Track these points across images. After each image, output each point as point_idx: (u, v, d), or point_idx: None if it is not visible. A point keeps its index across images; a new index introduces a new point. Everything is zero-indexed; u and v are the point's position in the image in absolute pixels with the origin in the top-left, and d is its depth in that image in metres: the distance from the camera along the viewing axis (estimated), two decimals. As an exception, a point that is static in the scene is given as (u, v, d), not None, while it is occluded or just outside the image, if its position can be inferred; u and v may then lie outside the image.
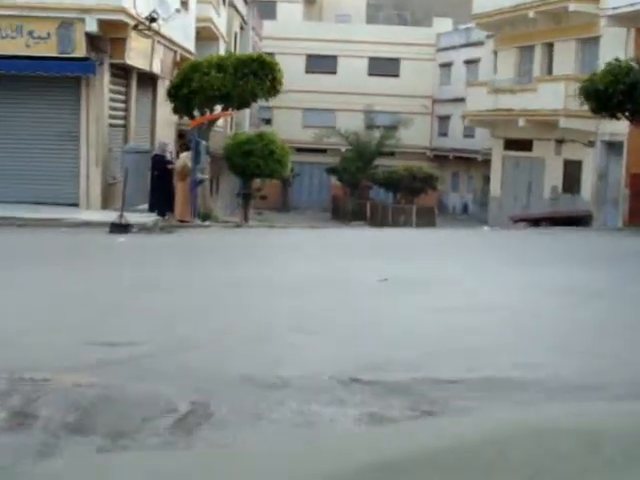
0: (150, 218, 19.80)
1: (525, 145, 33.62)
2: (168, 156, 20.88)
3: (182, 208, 20.09)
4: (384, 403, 5.37)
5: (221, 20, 35.43)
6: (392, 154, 48.11)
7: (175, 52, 26.79)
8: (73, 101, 21.11)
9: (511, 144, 34.98)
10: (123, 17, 20.15)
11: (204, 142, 20.44)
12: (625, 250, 17.14)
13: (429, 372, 6.20)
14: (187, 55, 27.58)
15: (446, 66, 52.57)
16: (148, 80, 25.51)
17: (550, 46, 32.71)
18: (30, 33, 19.94)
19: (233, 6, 39.71)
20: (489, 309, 9.30)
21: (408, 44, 53.39)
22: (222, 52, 30.02)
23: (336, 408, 5.31)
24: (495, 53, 41.37)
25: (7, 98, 21.05)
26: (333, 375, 6.09)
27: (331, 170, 49.03)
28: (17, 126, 21.08)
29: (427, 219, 40.34)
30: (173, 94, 23.75)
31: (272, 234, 18.82)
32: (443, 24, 54.96)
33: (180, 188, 20.23)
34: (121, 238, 16.45)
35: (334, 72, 54.50)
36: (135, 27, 21.00)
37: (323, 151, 51.64)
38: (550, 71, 32.58)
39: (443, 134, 52.88)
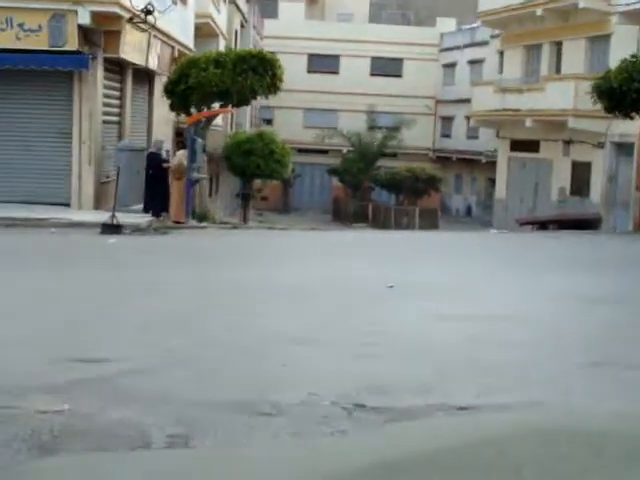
0: (144, 219, 19.01)
1: (532, 146, 32.79)
2: (164, 154, 20.07)
3: (177, 208, 19.29)
4: (393, 438, 4.54)
5: (221, 17, 34.76)
6: (394, 155, 47.66)
7: (173, 48, 26.00)
8: (65, 97, 20.30)
9: (517, 145, 34.14)
10: (117, 9, 19.34)
11: (200, 140, 19.63)
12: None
13: (442, 396, 5.39)
14: (185, 51, 26.78)
15: (450, 66, 52.09)
16: (144, 76, 24.73)
17: (558, 45, 31.89)
18: (20, 25, 19.13)
19: (234, 3, 39.07)
20: (500, 317, 8.59)
21: (411, 44, 52.91)
22: (222, 49, 29.21)
23: (337, 442, 4.57)
24: (500, 53, 40.81)
25: (-5, 93, 20.30)
26: (335, 400, 5.29)
27: (333, 171, 48.56)
28: (6, 123, 20.27)
29: (430, 221, 39.88)
30: (170, 90, 22.93)
31: (271, 236, 17.98)
32: (447, 24, 54.46)
33: (176, 188, 19.43)
34: (112, 239, 15.66)
35: (336, 72, 53.99)
36: (130, 20, 20.18)
37: (325, 152, 51.18)
38: (558, 70, 31.77)
39: (446, 135, 52.39)
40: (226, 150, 31.39)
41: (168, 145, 20.94)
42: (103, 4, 19.20)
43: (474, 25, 48.29)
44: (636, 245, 19.16)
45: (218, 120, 34.57)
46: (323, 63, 53.68)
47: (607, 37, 29.09)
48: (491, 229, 21.37)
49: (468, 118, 45.97)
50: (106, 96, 21.16)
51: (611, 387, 5.83)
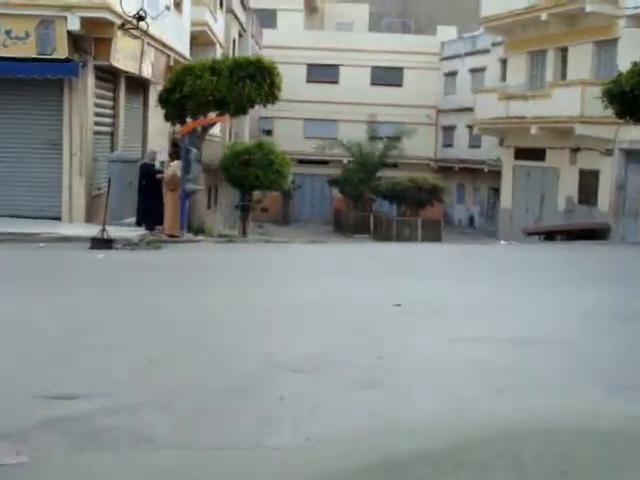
0: (137, 232, 18.21)
1: (537, 154, 31.99)
2: (157, 165, 19.26)
3: (172, 221, 18.47)
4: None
5: (218, 25, 34.10)
6: (395, 165, 47.12)
7: (168, 56, 25.24)
8: (55, 106, 19.52)
9: (522, 153, 33.35)
10: (108, 15, 18.57)
11: (195, 150, 18.82)
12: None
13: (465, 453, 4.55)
14: (181, 60, 26.02)
15: (451, 75, 51.59)
16: (138, 85, 23.98)
17: (564, 50, 31.13)
18: (7, 32, 18.36)
19: (231, 12, 38.44)
20: (523, 340, 7.77)
21: (412, 53, 52.38)
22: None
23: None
24: (502, 61, 40.34)
25: (-18, 103, 19.52)
26: (336, 446, 4.48)
27: (333, 182, 47.91)
28: (-7, 133, 19.51)
29: (433, 232, 39.21)
30: (164, 99, 22.13)
31: (268, 250, 17.13)
32: (447, 32, 53.94)
33: (170, 200, 18.62)
34: (101, 255, 14.84)
35: (336, 82, 53.42)
36: (122, 26, 19.41)
37: (325, 162, 50.67)
38: (564, 76, 31.04)
39: (448, 145, 51.90)
40: (224, 161, 30.69)
41: (163, 156, 20.12)
42: (93, 10, 18.42)
43: (475, 33, 47.95)
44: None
45: (216, 130, 33.95)
46: (323, 73, 53.06)
47: (614, 41, 28.33)
48: (501, 240, 20.46)
49: (470, 127, 45.49)
50: (98, 105, 20.38)
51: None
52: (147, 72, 23.01)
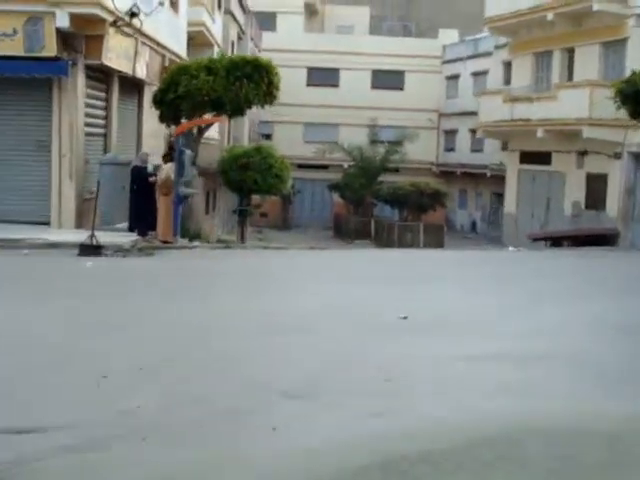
0: (128, 238, 17.39)
1: (543, 158, 31.19)
2: (149, 168, 18.43)
3: (165, 227, 17.65)
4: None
5: (216, 26, 33.43)
6: (397, 170, 46.62)
7: (163, 56, 24.47)
8: (43, 106, 18.73)
9: (528, 157, 32.55)
10: (99, 11, 17.78)
11: (189, 151, 18.00)
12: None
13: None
14: (177, 60, 25.22)
15: (452, 78, 51.14)
16: (133, 86, 23.21)
17: (570, 51, 30.35)
18: (-6, 29, 17.58)
19: (230, 13, 37.83)
20: (538, 358, 7.00)
21: (413, 56, 51.84)
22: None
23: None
24: (505, 64, 39.86)
25: (-33, 103, 18.75)
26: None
27: (333, 187, 47.32)
28: (-21, 135, 18.73)
29: (435, 238, 38.62)
30: (159, 100, 21.34)
31: (265, 257, 16.27)
32: (449, 35, 53.50)
33: (163, 204, 17.80)
34: (89, 262, 14.03)
35: (336, 85, 52.83)
36: (114, 23, 18.63)
37: (325, 167, 50.19)
38: (570, 78, 30.26)
39: (450, 149, 51.45)
40: (222, 165, 29.99)
41: (157, 159, 19.30)
42: (83, 6, 17.63)
43: (477, 36, 47.62)
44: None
45: (214, 133, 33.23)
46: (323, 76, 52.46)
47: (623, 41, 27.55)
48: (509, 246, 19.64)
49: (473, 131, 45.03)
50: (89, 106, 19.60)
51: None
52: (141, 72, 22.24)
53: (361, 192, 45.24)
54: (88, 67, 19.06)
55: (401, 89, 52.55)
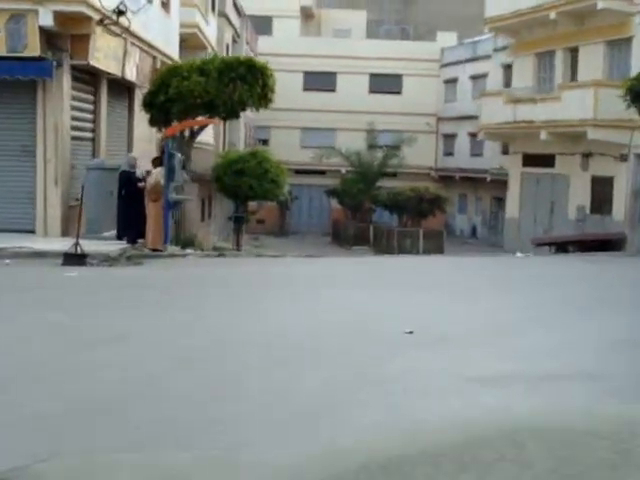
0: (116, 247, 16.55)
1: (546, 160, 30.33)
2: (138, 173, 17.60)
3: (155, 234, 16.81)
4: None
5: (210, 29, 32.73)
6: (395, 175, 46.24)
7: (154, 58, 23.68)
8: (27, 109, 17.92)
9: (530, 160, 31.68)
10: (84, 9, 16.98)
11: (179, 155, 17.19)
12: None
13: None
14: (169, 62, 24.41)
15: (451, 82, 50.67)
16: (123, 89, 22.42)
17: (573, 51, 29.51)
18: (-26, 29, 16.76)
19: (224, 16, 37.16)
20: (556, 377, 6.16)
21: (411, 59, 51.36)
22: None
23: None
24: (505, 67, 39.31)
25: (-53, 106, 17.93)
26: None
27: (331, 192, 46.81)
28: (-40, 139, 17.91)
29: (435, 243, 38.15)
30: (149, 102, 20.51)
31: (259, 265, 15.39)
32: (447, 38, 53.10)
33: (152, 211, 16.97)
34: (72, 272, 13.22)
35: (333, 90, 52.31)
36: (100, 22, 17.83)
37: (323, 172, 49.73)
38: (574, 78, 29.41)
39: (449, 153, 50.99)
40: (216, 170, 29.26)
41: (148, 164, 18.46)
42: (68, 3, 16.84)
43: (476, 39, 47.11)
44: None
45: (208, 138, 32.47)
46: (320, 81, 51.90)
47: (628, 40, 26.72)
48: (517, 252, 18.79)
49: (472, 135, 44.51)
50: (75, 109, 18.79)
51: None
52: (131, 74, 21.45)
53: (359, 197, 44.90)
54: (74, 68, 18.27)
55: (399, 93, 52.05)
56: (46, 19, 16.69)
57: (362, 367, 6.64)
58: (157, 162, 17.50)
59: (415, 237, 38.81)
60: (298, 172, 47.74)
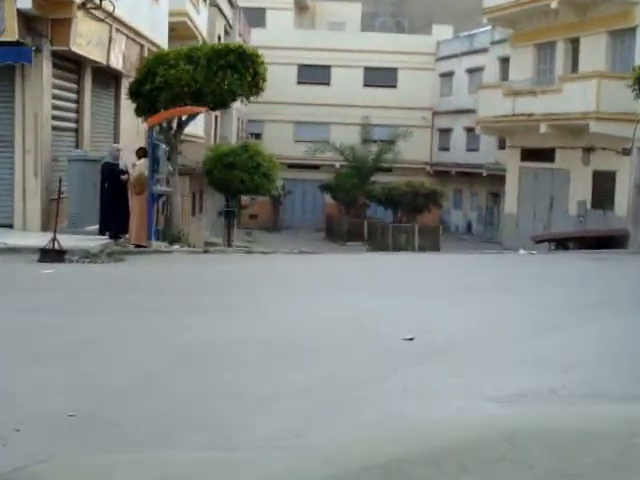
0: (98, 242, 15.69)
1: (546, 155, 29.51)
2: (121, 164, 16.74)
3: (138, 229, 15.96)
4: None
5: (201, 18, 31.89)
6: (390, 170, 45.67)
7: (142, 46, 22.85)
8: (5, 97, 17.06)
9: (530, 154, 30.85)
10: (65, -9, 16.13)
11: (164, 146, 16.34)
12: None
13: None
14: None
15: (447, 76, 50.19)
16: (109, 78, 21.59)
17: (574, 41, 28.67)
18: (-52, 11, 15.86)
19: (216, 6, 36.32)
20: (587, 396, 5.36)
21: (406, 53, 50.72)
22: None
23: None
24: (501, 60, 38.64)
25: None
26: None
27: (325, 187, 46.23)
28: None
29: (431, 239, 37.49)
30: (134, 92, 19.65)
31: (246, 262, 14.47)
32: (443, 31, 52.56)
33: (136, 204, 16.13)
34: (49, 269, 12.38)
35: (327, 83, 51.73)
36: (82, 5, 16.97)
37: (316, 167, 49.30)
38: (575, 69, 28.58)
39: (444, 148, 50.51)
40: (207, 163, 28.52)
41: (134, 155, 17.59)
42: (48, -15, 15.98)
43: (472, 32, 46.50)
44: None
45: (199, 131, 31.65)
46: (314, 74, 51.29)
47: (632, 30, 25.90)
48: (520, 249, 17.98)
49: (468, 129, 43.96)
50: (57, 97, 17.92)
51: None
52: (117, 62, 20.61)
53: (353, 192, 44.41)
54: (56, 54, 17.41)
55: (394, 87, 51.49)
56: (24, 2, 15.79)
57: (353, 379, 5.83)
58: (141, 153, 16.64)
59: (410, 233, 38.25)
60: (291, 166, 47.55)
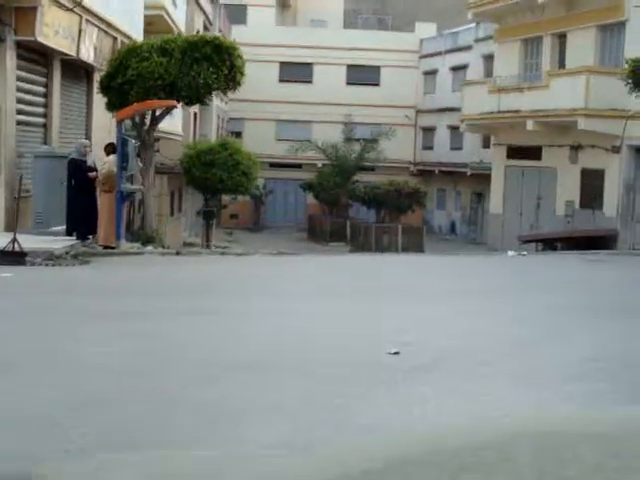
0: (64, 243, 14.80)
1: (533, 153, 28.80)
2: (89, 161, 15.85)
3: (107, 229, 15.09)
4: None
5: (179, 13, 31.05)
6: (372, 169, 45.36)
7: (115, 39, 21.93)
8: (-34, 90, 16.13)
9: (516, 152, 30.14)
10: (29, -23, 15.25)
11: (133, 141, 15.47)
12: None
13: None
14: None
15: (430, 74, 49.90)
16: (80, 71, 20.73)
17: (562, 36, 27.96)
18: None
19: (195, 1, 35.44)
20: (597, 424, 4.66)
21: (389, 50, 50.41)
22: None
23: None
24: (486, 57, 38.21)
25: None
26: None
27: (307, 186, 45.60)
28: None
29: (414, 240, 37.07)
30: (106, 85, 18.77)
31: (220, 265, 13.59)
32: (427, 29, 52.33)
33: (105, 203, 15.26)
34: (7, 273, 11.51)
35: (310, 81, 51.32)
36: (49, -7, 16.08)
37: (298, 166, 48.94)
38: (562, 65, 27.88)
39: (428, 147, 50.23)
40: (185, 162, 27.72)
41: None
42: (10, -30, 15.10)
43: (456, 29, 46.28)
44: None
45: (177, 128, 30.80)
46: (296, 72, 50.87)
47: (621, 25, 25.22)
48: (508, 251, 17.22)
49: (452, 128, 43.58)
50: (22, 90, 17.02)
51: None
52: (88, 55, 19.72)
53: (336, 192, 43.96)
54: (21, 45, 16.50)
55: (377, 85, 51.12)
56: (-15, -12, 14.94)
57: (329, 400, 5.04)
58: (110, 149, 15.76)
59: (393, 233, 37.83)
60: (273, 165, 47.43)
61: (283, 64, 50.82)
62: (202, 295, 9.70)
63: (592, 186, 26.16)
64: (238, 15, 50.76)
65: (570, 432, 3.55)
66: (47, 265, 13.01)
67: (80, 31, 18.81)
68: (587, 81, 24.22)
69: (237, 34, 47.96)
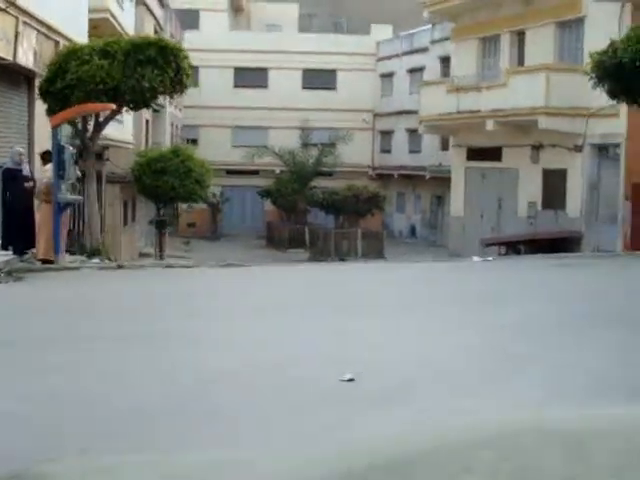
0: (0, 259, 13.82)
1: (493, 153, 28.20)
2: (25, 170, 14.86)
3: (46, 243, 14.10)
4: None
5: (126, 16, 30.02)
6: (330, 174, 45.47)
7: (57, 42, 20.90)
8: None
9: (476, 153, 29.54)
10: (-44, -25, 14.25)
11: (71, 148, 14.52)
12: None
13: None
14: (74, 48, 21.64)
15: (387, 76, 49.62)
16: (19, 77, 19.62)
17: (520, 34, 27.41)
18: None
19: (144, 4, 34.46)
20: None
21: (345, 54, 50.02)
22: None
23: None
24: (442, 59, 37.90)
25: None
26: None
27: (264, 193, 45.30)
28: None
29: (374, 245, 36.85)
30: (45, 90, 17.81)
31: (162, 279, 12.63)
32: (383, 31, 52.22)
33: (45, 214, 14.27)
34: None
35: (265, 86, 50.72)
36: (-22, -7, 15.10)
37: (255, 172, 48.43)
38: (521, 63, 27.31)
39: (386, 151, 49.99)
40: (135, 170, 26.96)
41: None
42: None
43: (412, 31, 45.61)
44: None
45: (127, 136, 29.87)
46: (251, 77, 50.26)
47: (580, 21, 24.69)
48: (473, 256, 16.49)
49: (410, 131, 43.27)
50: (-47, 97, 16.01)
51: None
52: (27, 59, 18.68)
53: (294, 198, 43.94)
54: (-50, 49, 15.51)
55: (333, 89, 50.75)
56: None
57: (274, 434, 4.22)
58: (47, 157, 14.78)
59: (353, 238, 37.52)
60: (230, 172, 47.25)
61: (238, 69, 50.28)
62: (115, 318, 8.72)
63: (554, 186, 25.59)
64: (190, 20, 49.94)
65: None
66: (-22, 283, 12.04)
67: (17, 34, 17.81)
68: (547, 79, 23.63)
69: (190, 39, 47.29)
